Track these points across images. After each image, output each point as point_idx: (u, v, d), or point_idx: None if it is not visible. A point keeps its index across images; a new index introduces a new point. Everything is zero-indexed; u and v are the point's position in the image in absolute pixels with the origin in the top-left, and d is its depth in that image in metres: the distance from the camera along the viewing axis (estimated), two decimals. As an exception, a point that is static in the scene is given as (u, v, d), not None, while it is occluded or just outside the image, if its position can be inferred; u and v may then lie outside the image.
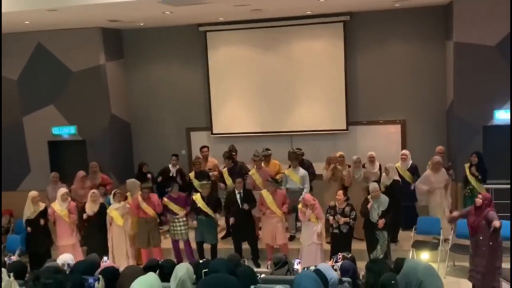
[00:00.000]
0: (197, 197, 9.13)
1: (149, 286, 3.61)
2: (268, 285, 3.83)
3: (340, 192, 8.66)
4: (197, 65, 12.00)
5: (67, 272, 5.21)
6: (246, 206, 9.02)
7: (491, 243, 7.23)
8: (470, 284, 8.18)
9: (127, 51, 12.33)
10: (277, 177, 9.92)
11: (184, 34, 11.91)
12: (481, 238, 7.32)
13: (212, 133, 12.01)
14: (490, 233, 7.17)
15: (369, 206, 8.35)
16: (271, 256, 9.04)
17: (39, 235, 9.25)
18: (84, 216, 9.16)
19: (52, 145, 11.89)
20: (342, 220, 8.40)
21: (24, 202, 9.42)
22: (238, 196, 9.10)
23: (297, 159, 9.77)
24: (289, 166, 9.89)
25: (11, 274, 3.87)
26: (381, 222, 8.26)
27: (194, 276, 4.76)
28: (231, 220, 9.12)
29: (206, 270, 4.73)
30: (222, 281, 3.03)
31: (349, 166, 9.81)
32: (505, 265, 7.87)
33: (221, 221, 10.06)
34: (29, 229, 9.18)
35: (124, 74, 12.35)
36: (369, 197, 8.47)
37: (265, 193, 9.06)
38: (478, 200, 7.44)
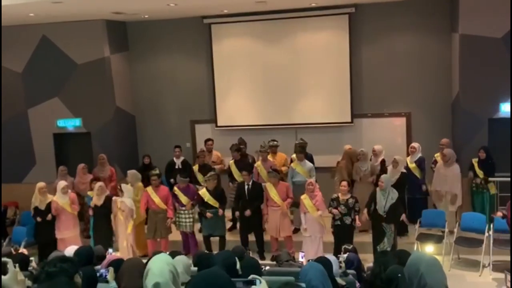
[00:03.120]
0: (203, 192, 9.12)
1: (165, 261, 3.62)
2: (256, 275, 3.81)
3: (345, 183, 8.67)
4: (202, 57, 11.98)
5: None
6: (248, 213, 9.00)
7: None
8: (475, 277, 8.22)
9: (131, 43, 12.32)
10: (283, 169, 9.91)
11: (189, 26, 11.88)
12: None
13: (216, 126, 12.00)
14: None
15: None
16: (275, 248, 9.08)
17: (46, 226, 9.37)
18: (90, 212, 9.28)
19: (57, 138, 11.92)
20: (334, 211, 8.45)
21: (29, 194, 9.56)
22: (246, 188, 9.11)
23: (303, 152, 9.75)
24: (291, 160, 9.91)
25: (17, 265, 3.90)
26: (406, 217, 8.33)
27: (195, 269, 4.79)
28: (237, 213, 9.12)
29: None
30: (213, 277, 3.00)
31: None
32: (506, 258, 7.88)
33: (228, 213, 10.09)
34: (38, 218, 9.34)
35: (129, 66, 12.34)
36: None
37: (269, 185, 9.06)
38: None
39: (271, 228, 9.14)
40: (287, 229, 9.09)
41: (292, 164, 9.79)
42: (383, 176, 8.55)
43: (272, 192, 8.98)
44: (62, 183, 9.49)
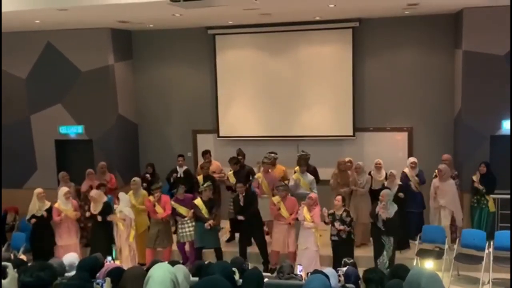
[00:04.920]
0: (198, 202, 9.11)
1: (166, 269, 3.61)
2: None
3: (339, 197, 8.67)
4: (205, 67, 12.03)
5: (73, 271, 5.24)
6: (241, 218, 9.00)
7: None
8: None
9: (135, 52, 12.37)
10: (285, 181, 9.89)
11: (193, 36, 11.94)
12: None
13: (218, 136, 12.01)
14: None
15: (378, 208, 8.31)
16: (275, 262, 9.03)
17: (45, 233, 9.34)
18: (87, 214, 9.28)
19: (59, 144, 11.94)
20: (339, 227, 8.41)
21: (30, 200, 9.51)
22: (241, 200, 9.10)
23: (306, 163, 9.75)
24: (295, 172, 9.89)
25: (15, 270, 3.89)
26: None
27: (194, 279, 4.76)
28: (240, 217, 9.10)
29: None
30: (215, 283, 2.98)
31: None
32: (505, 275, 7.84)
33: (226, 225, 10.08)
34: (33, 220, 9.28)
35: (132, 75, 12.39)
36: (379, 203, 8.44)
37: (275, 199, 9.01)
38: None
39: (277, 243, 9.06)
40: (293, 243, 8.97)
41: (293, 176, 9.76)
42: (384, 191, 8.56)
43: (281, 206, 8.89)
44: (64, 189, 9.44)
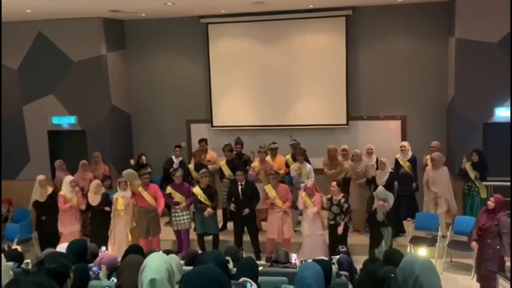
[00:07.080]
0: (197, 189, 9.13)
1: (162, 259, 3.64)
2: (247, 279, 3.81)
3: (334, 183, 8.71)
4: (198, 57, 11.98)
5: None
6: (247, 211, 9.01)
7: (498, 247, 7.18)
8: (467, 280, 8.24)
9: (128, 42, 12.29)
10: (281, 172, 9.89)
11: (186, 26, 11.87)
12: (488, 241, 7.28)
13: (212, 126, 12.00)
14: (498, 237, 7.14)
15: (376, 205, 8.34)
16: (271, 251, 9.06)
17: (51, 218, 9.40)
18: (82, 207, 9.29)
19: (52, 135, 11.88)
20: (340, 229, 8.46)
21: (23, 191, 9.60)
22: (240, 188, 9.10)
23: (303, 154, 9.77)
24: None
25: (5, 260, 3.89)
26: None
27: (186, 268, 4.78)
28: (232, 206, 9.13)
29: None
30: (208, 272, 2.98)
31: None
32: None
33: (219, 213, 10.08)
34: (43, 217, 9.44)
35: (125, 65, 12.32)
36: (377, 203, 8.42)
37: (268, 188, 9.04)
38: (491, 203, 7.41)
39: (272, 230, 9.07)
40: (289, 230, 9.02)
41: (294, 167, 9.76)
42: (377, 190, 8.54)
43: (272, 194, 8.95)
44: (68, 178, 9.44)
